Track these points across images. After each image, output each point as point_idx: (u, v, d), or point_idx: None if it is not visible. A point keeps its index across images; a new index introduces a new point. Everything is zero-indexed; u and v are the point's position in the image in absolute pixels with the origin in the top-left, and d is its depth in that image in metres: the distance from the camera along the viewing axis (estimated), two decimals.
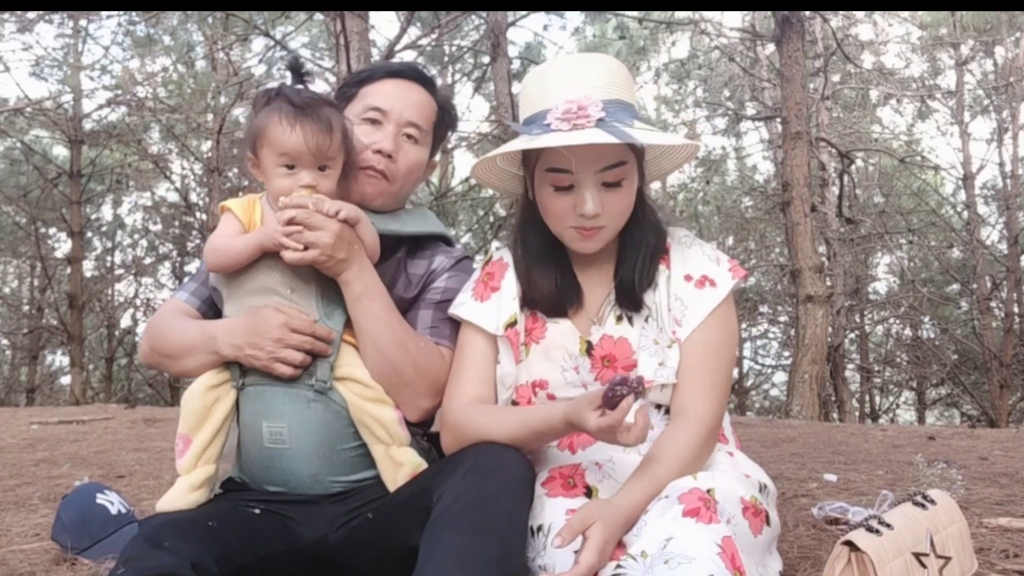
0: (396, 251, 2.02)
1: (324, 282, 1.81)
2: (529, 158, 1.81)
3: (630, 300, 1.83)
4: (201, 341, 1.81)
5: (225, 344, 1.77)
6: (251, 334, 1.75)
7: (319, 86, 2.07)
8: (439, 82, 2.24)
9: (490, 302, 1.89)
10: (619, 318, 1.84)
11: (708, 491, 1.50)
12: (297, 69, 1.87)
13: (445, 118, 2.12)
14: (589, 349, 1.83)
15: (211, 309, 1.97)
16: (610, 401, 1.51)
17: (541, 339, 1.85)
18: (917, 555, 1.74)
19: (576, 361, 1.82)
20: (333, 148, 1.81)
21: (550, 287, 1.84)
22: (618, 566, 1.39)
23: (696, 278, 1.84)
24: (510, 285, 1.89)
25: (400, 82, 2.05)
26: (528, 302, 1.87)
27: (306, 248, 1.73)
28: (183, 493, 1.76)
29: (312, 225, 1.73)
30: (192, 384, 1.81)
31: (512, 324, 1.85)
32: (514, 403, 1.86)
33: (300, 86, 1.85)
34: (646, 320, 1.83)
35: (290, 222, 1.72)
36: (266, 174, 1.83)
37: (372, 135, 1.97)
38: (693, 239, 1.94)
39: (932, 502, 1.89)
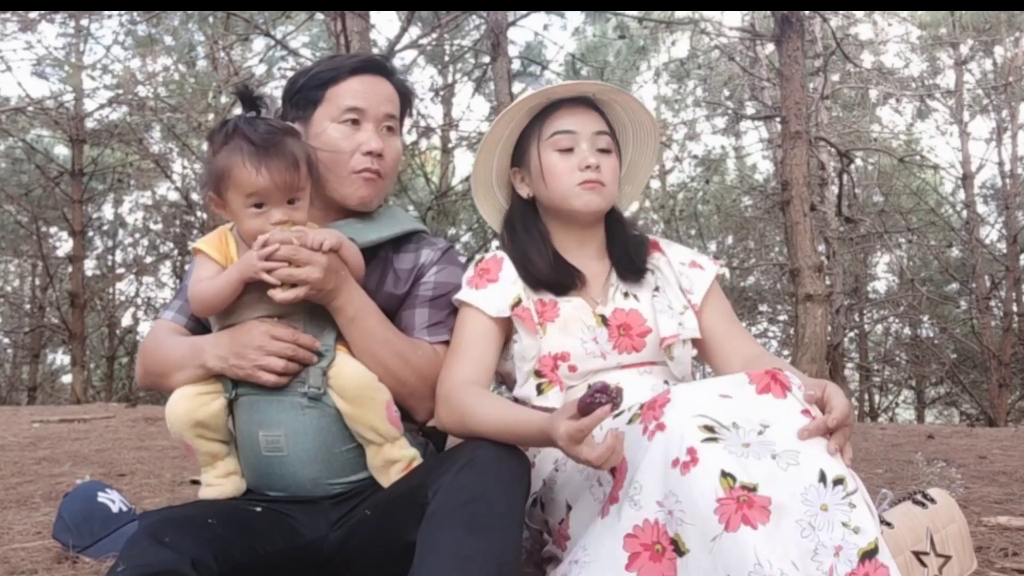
0: (379, 251, 2.01)
1: (310, 307, 1.80)
2: (531, 136, 2.00)
3: (632, 271, 2.01)
4: (189, 355, 1.81)
5: (211, 356, 1.77)
6: (235, 344, 1.75)
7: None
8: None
9: (487, 290, 1.95)
10: (626, 295, 1.99)
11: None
12: (247, 97, 1.83)
13: (405, 102, 2.13)
14: (604, 321, 1.94)
15: (199, 325, 1.97)
16: (586, 408, 1.47)
17: (556, 317, 1.93)
18: (917, 554, 1.76)
19: (594, 332, 1.92)
20: (301, 180, 1.79)
21: (545, 265, 1.96)
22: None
23: (687, 262, 2.06)
24: (508, 274, 1.97)
25: (366, 78, 2.03)
26: (532, 284, 1.96)
27: (295, 285, 1.71)
28: (211, 479, 1.81)
29: (300, 261, 1.70)
30: (173, 396, 1.79)
31: (517, 303, 1.92)
32: (537, 373, 1.89)
33: (252, 113, 1.81)
34: (656, 290, 2.00)
35: (276, 258, 1.70)
36: (235, 215, 1.79)
37: (354, 137, 1.96)
38: (670, 242, 2.17)
39: (932, 501, 1.90)
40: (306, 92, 2.02)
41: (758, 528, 1.34)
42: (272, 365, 1.73)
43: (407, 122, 2.19)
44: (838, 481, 1.41)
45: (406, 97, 2.12)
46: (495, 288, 1.95)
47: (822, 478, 1.40)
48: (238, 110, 1.85)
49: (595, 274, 2.01)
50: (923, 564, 1.77)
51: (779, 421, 1.45)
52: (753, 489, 1.37)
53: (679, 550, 1.41)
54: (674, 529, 1.42)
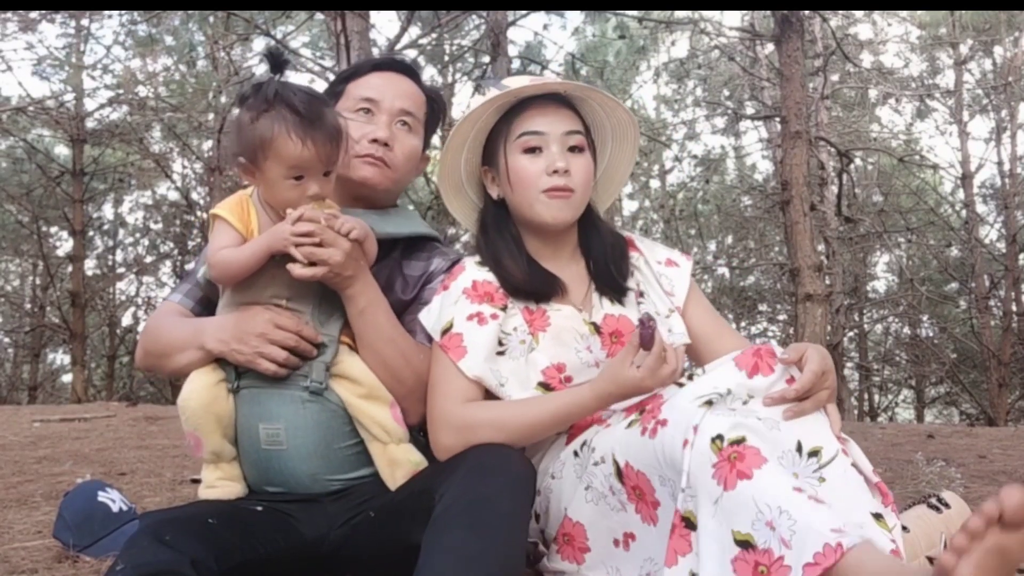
0: (391, 252, 2.02)
1: (322, 292, 1.80)
2: (499, 135, 1.92)
3: (612, 287, 1.95)
4: (190, 336, 1.81)
5: (211, 339, 1.77)
6: (238, 330, 1.75)
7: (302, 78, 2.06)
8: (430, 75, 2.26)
9: (434, 303, 1.93)
10: (612, 301, 1.94)
11: None
12: (278, 58, 1.81)
13: (434, 108, 2.13)
14: (596, 329, 1.89)
15: (205, 309, 1.97)
16: (648, 341, 1.59)
17: (547, 326, 1.87)
18: (931, 559, 1.76)
19: (588, 341, 1.87)
20: (339, 153, 1.80)
21: (521, 272, 1.89)
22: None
23: (663, 261, 2.02)
24: (459, 286, 1.91)
25: (386, 74, 2.06)
26: (511, 292, 1.89)
27: (314, 264, 1.72)
28: (213, 481, 1.81)
29: (324, 241, 1.71)
30: (186, 386, 1.79)
31: (448, 329, 1.85)
32: (545, 386, 1.84)
33: (277, 76, 1.79)
34: (641, 296, 1.96)
35: (303, 235, 1.70)
36: (270, 184, 1.78)
37: (366, 126, 1.98)
38: (643, 237, 2.12)
39: (947, 505, 1.91)
40: (334, 86, 2.09)
41: (754, 476, 1.37)
42: (273, 355, 1.73)
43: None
44: (813, 452, 1.44)
45: (434, 102, 2.12)
46: (440, 300, 1.93)
47: (799, 448, 1.45)
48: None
49: (573, 278, 1.95)
50: None
51: (762, 393, 1.51)
52: (740, 441, 1.41)
53: (691, 525, 1.43)
54: (686, 506, 1.45)
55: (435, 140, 2.22)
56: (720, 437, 1.41)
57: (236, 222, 1.81)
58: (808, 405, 1.51)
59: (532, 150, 1.87)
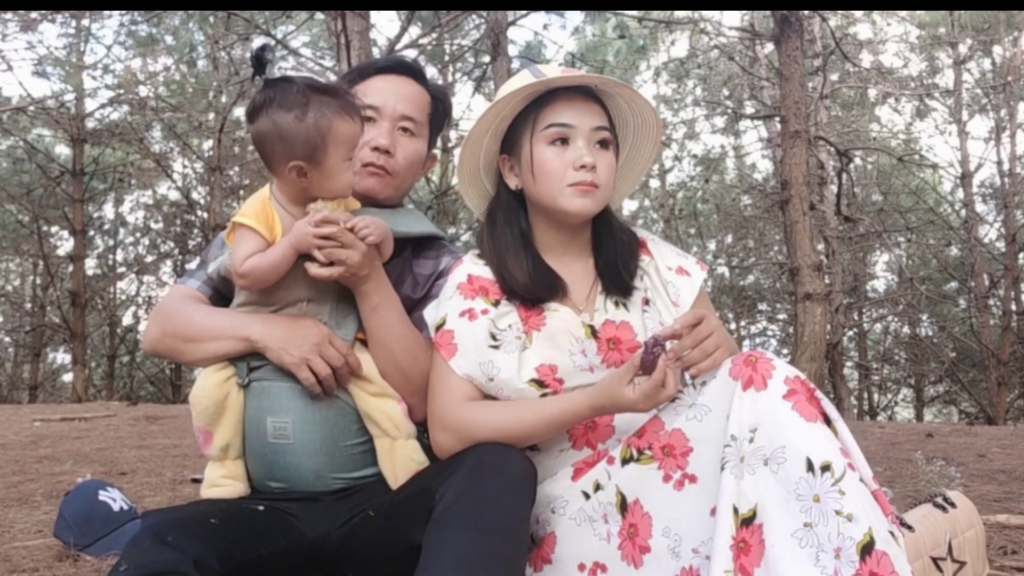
0: (402, 251, 2.02)
1: (340, 292, 1.83)
2: (524, 125, 1.86)
3: (619, 286, 1.89)
4: (230, 326, 1.80)
5: (260, 333, 1.76)
6: (292, 332, 1.76)
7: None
8: (430, 75, 2.23)
9: (432, 302, 1.94)
10: (616, 304, 1.88)
11: None
12: (261, 59, 1.80)
13: (439, 108, 2.12)
14: (593, 333, 1.84)
15: (221, 299, 1.96)
16: (649, 366, 1.58)
17: (542, 326, 1.84)
18: (935, 560, 1.76)
19: (583, 344, 1.82)
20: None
21: (523, 273, 1.85)
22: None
23: (674, 268, 1.95)
24: (454, 281, 1.90)
25: (390, 77, 2.06)
26: (509, 293, 1.87)
27: (332, 264, 1.74)
28: (216, 479, 1.81)
29: (344, 243, 1.73)
30: (199, 382, 1.81)
31: (440, 326, 1.85)
32: (539, 383, 1.80)
33: (278, 74, 1.80)
34: (647, 304, 1.89)
35: (325, 237, 1.72)
36: (330, 173, 1.78)
37: (368, 132, 1.97)
38: (659, 238, 2.05)
39: (952, 505, 1.90)
40: None
41: (753, 573, 1.40)
42: (318, 368, 1.74)
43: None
44: (825, 467, 1.43)
45: (439, 101, 2.12)
46: (435, 301, 1.94)
47: (810, 467, 1.43)
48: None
49: (578, 276, 1.91)
50: (940, 570, 1.77)
51: (764, 419, 1.48)
52: (750, 519, 1.42)
53: None
54: (708, 572, 1.46)
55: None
56: (736, 509, 1.44)
57: (262, 229, 1.80)
58: (696, 355, 1.57)
59: (558, 142, 1.83)
